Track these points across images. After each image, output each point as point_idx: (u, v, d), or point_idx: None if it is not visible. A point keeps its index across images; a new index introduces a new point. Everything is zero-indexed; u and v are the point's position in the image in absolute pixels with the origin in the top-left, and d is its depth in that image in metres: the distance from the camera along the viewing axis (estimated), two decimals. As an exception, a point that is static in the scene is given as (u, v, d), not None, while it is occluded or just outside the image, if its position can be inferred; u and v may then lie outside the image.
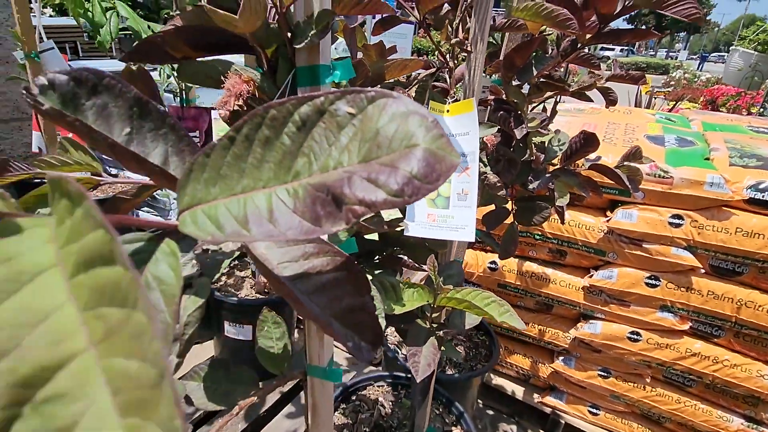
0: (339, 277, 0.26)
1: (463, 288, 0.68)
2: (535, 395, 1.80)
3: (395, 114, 0.19)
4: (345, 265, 0.26)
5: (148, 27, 1.08)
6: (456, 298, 0.67)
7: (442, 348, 0.77)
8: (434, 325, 0.75)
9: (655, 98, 4.61)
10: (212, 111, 1.68)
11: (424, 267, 0.73)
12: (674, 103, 4.66)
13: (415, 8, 0.65)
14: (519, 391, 1.84)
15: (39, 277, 0.13)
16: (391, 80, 0.70)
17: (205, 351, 1.86)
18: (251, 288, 1.70)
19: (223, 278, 1.76)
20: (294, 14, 0.41)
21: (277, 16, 0.40)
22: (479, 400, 1.88)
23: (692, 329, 1.43)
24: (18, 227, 0.15)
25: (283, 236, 0.20)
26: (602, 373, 1.59)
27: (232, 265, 1.86)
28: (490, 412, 1.87)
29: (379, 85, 0.70)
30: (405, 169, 0.19)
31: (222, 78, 0.41)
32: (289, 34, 0.40)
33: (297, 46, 0.39)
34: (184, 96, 1.56)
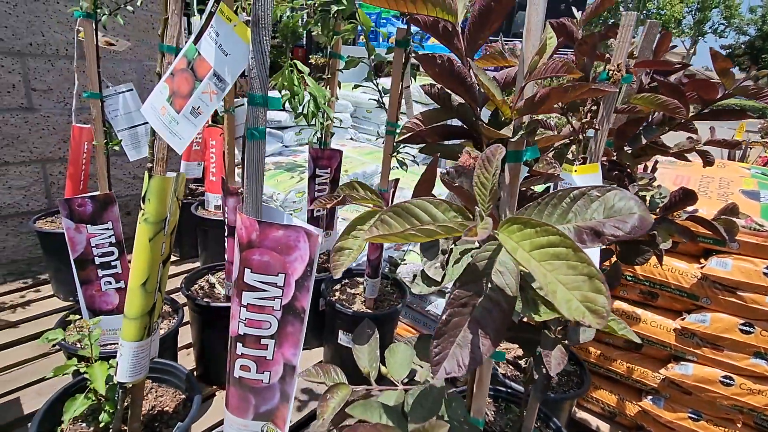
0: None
1: (586, 306, 0.89)
2: (621, 432, 1.87)
3: (622, 197, 0.44)
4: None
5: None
6: (582, 313, 0.88)
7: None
8: (558, 336, 0.95)
9: (751, 149, 4.43)
10: (341, 153, 2.06)
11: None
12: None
13: (557, 98, 0.90)
14: (604, 428, 1.91)
15: (517, 250, 0.39)
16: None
17: (313, 356, 2.13)
18: (362, 304, 1.98)
19: (337, 293, 2.06)
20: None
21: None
22: (562, 433, 1.97)
23: (789, 379, 1.48)
24: (495, 238, 0.41)
25: (565, 248, 0.45)
26: (693, 416, 1.65)
27: (344, 282, 2.16)
28: (574, 446, 1.95)
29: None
30: (630, 222, 0.43)
31: (458, 155, 0.69)
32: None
33: (512, 140, 0.65)
34: (323, 142, 1.93)
